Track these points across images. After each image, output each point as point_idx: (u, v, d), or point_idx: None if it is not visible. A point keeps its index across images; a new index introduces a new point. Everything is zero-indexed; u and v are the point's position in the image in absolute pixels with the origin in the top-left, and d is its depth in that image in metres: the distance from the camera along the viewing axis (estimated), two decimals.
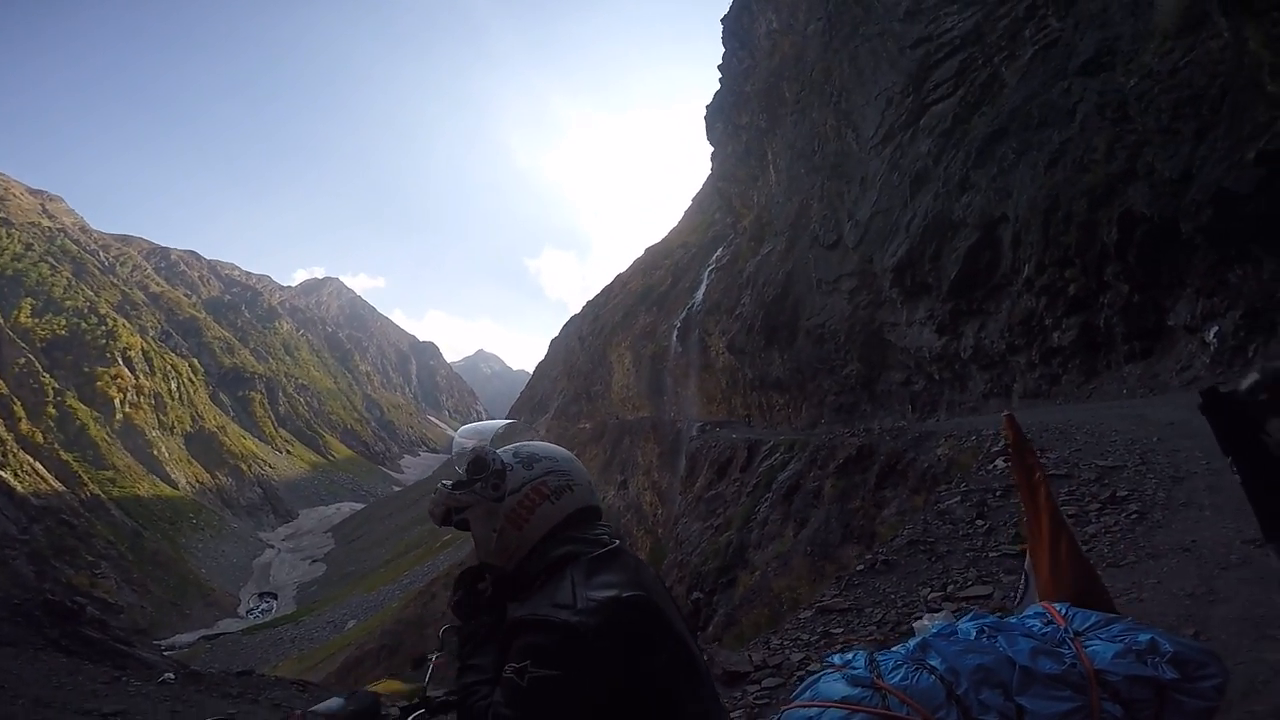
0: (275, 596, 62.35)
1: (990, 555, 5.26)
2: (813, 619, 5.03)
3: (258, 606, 60.03)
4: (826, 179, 24.87)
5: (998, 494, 6.51)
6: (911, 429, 13.57)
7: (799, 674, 4.11)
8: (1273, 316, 9.77)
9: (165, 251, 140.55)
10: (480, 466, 1.42)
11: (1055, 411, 11.38)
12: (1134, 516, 5.28)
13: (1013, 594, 4.64)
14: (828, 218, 24.51)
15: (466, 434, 1.57)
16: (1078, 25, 14.50)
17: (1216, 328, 10.64)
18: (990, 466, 7.65)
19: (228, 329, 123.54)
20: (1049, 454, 7.32)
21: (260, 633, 50.32)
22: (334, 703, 1.33)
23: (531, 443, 1.52)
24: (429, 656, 1.53)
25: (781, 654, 4.44)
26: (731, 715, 3.74)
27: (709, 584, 16.11)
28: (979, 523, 5.95)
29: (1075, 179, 13.37)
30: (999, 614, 1.72)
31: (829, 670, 1.48)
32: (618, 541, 1.39)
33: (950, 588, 4.87)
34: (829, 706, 1.36)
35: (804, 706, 1.40)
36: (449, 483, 1.47)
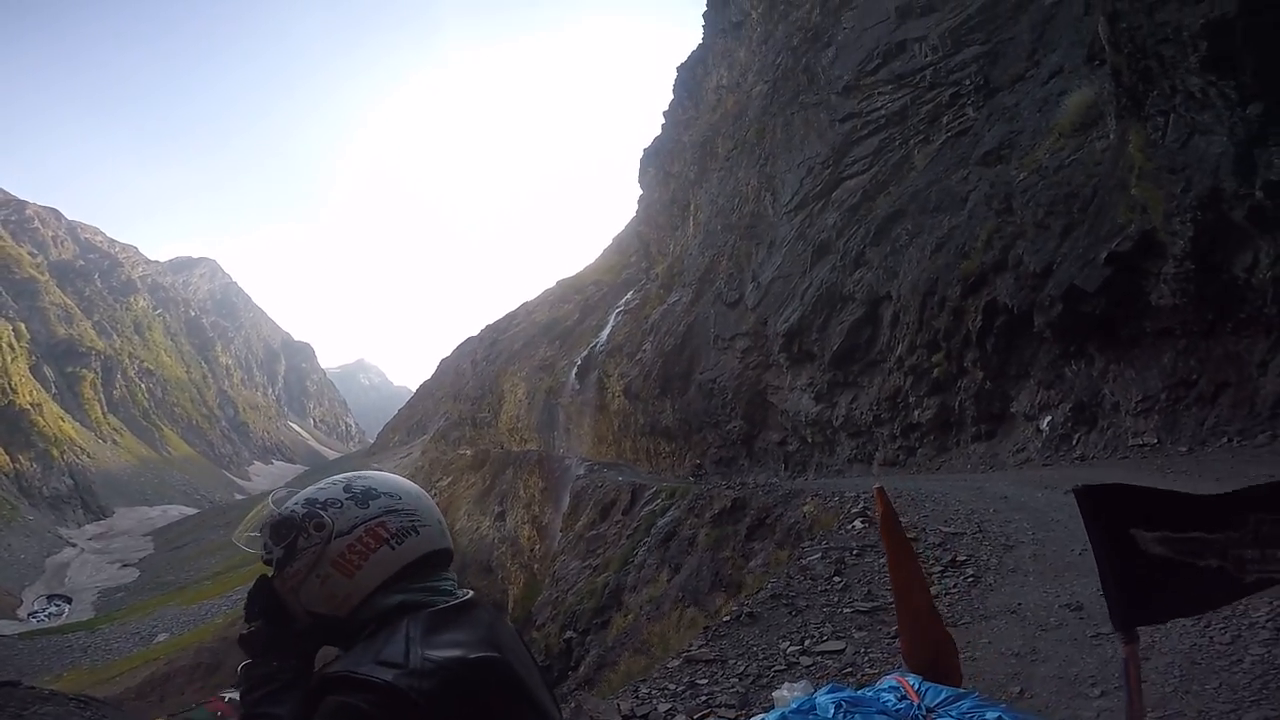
0: (69, 600, 52.49)
1: (845, 611, 5.46)
2: (680, 669, 4.98)
3: (44, 609, 50.25)
4: (739, 238, 25.82)
5: (854, 552, 6.79)
6: (782, 486, 14.06)
7: None
8: (1095, 411, 10.84)
9: (21, 204, 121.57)
10: (288, 527, 1.19)
11: (909, 480, 12.20)
12: (970, 580, 5.70)
13: (863, 650, 4.86)
14: (734, 276, 25.50)
15: (246, 533, 1.34)
16: (990, 116, 15.10)
17: (1049, 417, 11.82)
18: (850, 526, 7.97)
19: (72, 296, 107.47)
20: (902, 518, 7.81)
21: (42, 638, 41.72)
22: None
23: (369, 472, 1.29)
24: (222, 696, 1.26)
25: (649, 704, 4.35)
26: None
27: (583, 624, 15.66)
28: (836, 579, 6.16)
29: (954, 265, 13.92)
30: (853, 686, 1.69)
31: None
32: (470, 593, 1.19)
33: (808, 642, 4.99)
34: None
35: None
36: (268, 573, 1.25)
